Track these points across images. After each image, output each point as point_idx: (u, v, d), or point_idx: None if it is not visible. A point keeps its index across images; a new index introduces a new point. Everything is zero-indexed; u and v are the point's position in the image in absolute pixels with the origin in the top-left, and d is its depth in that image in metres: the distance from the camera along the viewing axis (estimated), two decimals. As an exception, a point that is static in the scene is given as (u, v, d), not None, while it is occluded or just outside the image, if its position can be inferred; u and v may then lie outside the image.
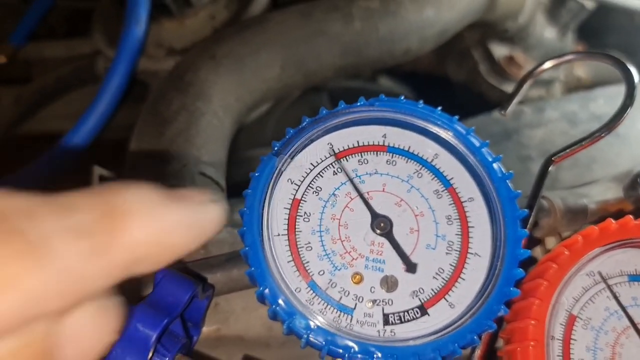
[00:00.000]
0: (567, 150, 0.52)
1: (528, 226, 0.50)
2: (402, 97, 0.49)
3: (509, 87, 1.04)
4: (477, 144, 0.48)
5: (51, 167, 0.77)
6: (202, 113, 0.67)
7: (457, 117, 0.49)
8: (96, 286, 0.28)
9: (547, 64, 0.58)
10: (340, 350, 0.41)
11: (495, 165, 0.47)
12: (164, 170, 0.63)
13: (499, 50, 1.06)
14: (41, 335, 0.27)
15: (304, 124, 0.49)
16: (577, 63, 1.05)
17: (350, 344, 0.41)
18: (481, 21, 0.97)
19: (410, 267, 0.45)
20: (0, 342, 0.26)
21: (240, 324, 0.54)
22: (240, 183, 0.82)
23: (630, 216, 0.46)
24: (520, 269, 0.44)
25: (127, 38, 0.77)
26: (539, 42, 1.05)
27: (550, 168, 0.52)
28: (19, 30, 1.08)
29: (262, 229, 0.45)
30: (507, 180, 0.46)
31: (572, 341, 0.44)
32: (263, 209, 0.45)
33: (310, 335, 0.41)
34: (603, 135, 0.52)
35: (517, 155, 0.76)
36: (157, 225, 0.29)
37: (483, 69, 1.06)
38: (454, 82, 1.10)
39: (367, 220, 0.46)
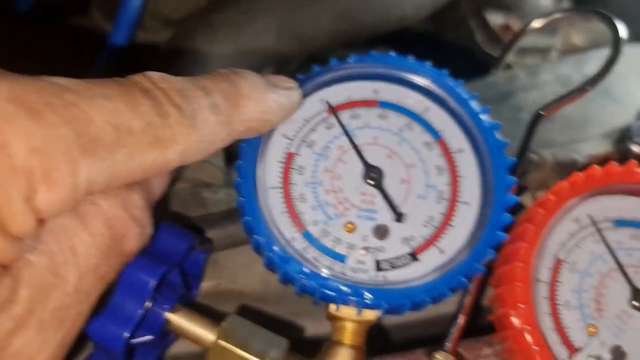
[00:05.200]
0: (556, 104, 0.54)
1: (517, 175, 0.51)
2: (392, 53, 0.50)
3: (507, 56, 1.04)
4: (465, 96, 0.49)
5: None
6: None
7: (446, 70, 0.50)
8: (219, 147, 0.38)
9: (536, 23, 0.59)
10: (333, 293, 0.43)
11: (483, 116, 0.48)
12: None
13: (495, 19, 1.06)
14: None
15: (296, 79, 0.50)
16: (573, 30, 1.06)
17: (343, 287, 0.43)
18: (477, -11, 0.97)
19: (399, 217, 0.46)
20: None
21: (238, 279, 0.55)
22: (233, 154, 0.82)
23: (615, 162, 0.47)
24: (509, 215, 0.45)
25: (125, 9, 0.78)
26: (535, 9, 1.05)
27: (539, 122, 0.53)
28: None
29: (256, 182, 0.46)
30: (495, 130, 0.48)
31: (557, 284, 0.46)
32: (258, 163, 0.47)
33: (303, 280, 0.43)
34: (589, 88, 0.54)
35: (511, 118, 0.77)
36: (263, 105, 0.41)
37: (479, 38, 1.06)
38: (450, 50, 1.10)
39: (359, 171, 0.48)
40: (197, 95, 0.36)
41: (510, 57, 1.04)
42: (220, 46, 0.71)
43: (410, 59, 0.50)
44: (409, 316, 0.56)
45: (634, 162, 0.47)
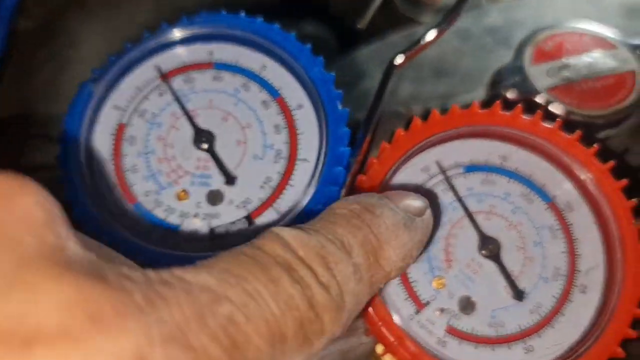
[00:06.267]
0: (409, 52, 0.51)
1: (369, 132, 0.49)
2: (223, 11, 0.48)
3: (424, 17, 1.01)
4: (298, 49, 0.47)
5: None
6: (71, 62, 0.66)
7: (277, 25, 0.47)
8: (362, 306, 0.31)
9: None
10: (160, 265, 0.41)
11: (317, 69, 0.46)
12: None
13: (413, -19, 1.03)
14: None
15: (126, 48, 0.48)
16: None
17: (169, 258, 0.41)
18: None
19: (229, 180, 0.44)
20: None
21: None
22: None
23: (476, 102, 0.45)
24: (341, 168, 0.43)
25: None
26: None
27: (392, 72, 0.51)
28: None
29: (81, 155, 0.44)
30: (329, 82, 0.45)
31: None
32: (84, 136, 0.45)
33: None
34: (445, 28, 0.51)
35: (411, 77, 0.75)
36: (404, 249, 0.32)
37: (398, 1, 1.03)
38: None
39: (192, 137, 0.45)
40: (340, 261, 0.28)
41: (427, 18, 1.02)
42: (94, 25, 0.68)
43: (242, 16, 0.48)
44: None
45: (476, 103, 0.45)
